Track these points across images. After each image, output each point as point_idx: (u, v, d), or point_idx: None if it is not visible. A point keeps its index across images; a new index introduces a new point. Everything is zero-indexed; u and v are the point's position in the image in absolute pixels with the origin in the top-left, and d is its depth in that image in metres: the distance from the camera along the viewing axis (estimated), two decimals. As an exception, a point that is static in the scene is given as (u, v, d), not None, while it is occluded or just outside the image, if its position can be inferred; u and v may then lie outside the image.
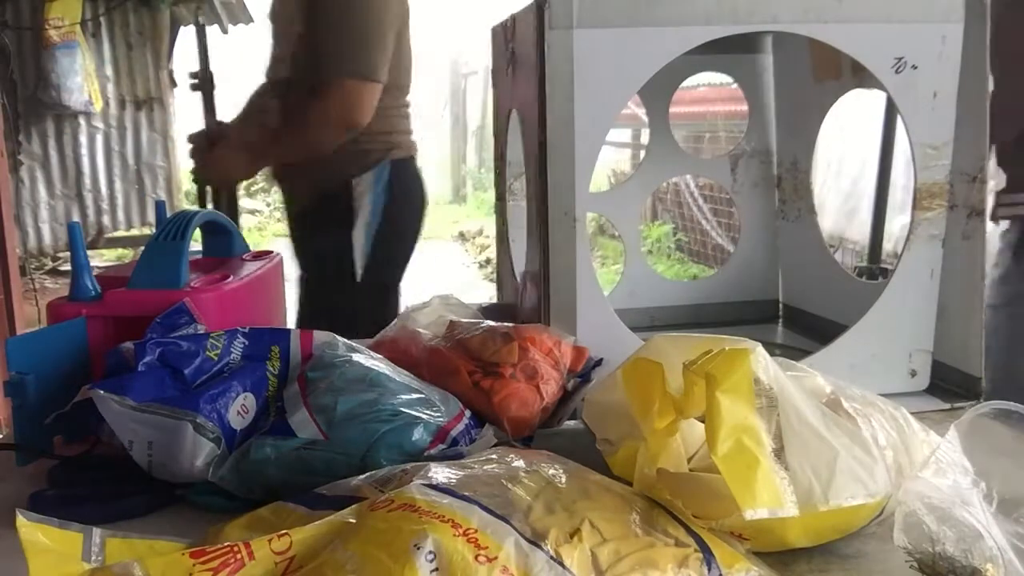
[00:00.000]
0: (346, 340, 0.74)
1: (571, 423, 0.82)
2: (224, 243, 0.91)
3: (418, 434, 0.65)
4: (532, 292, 0.93)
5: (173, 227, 0.80)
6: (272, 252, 0.95)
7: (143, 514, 0.63)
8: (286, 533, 0.47)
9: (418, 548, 0.45)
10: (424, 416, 0.67)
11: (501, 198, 1.16)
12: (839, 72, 1.03)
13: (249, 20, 5.26)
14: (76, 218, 5.08)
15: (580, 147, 0.82)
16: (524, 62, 0.90)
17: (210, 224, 0.85)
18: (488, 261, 6.50)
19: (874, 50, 0.85)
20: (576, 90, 0.81)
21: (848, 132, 3.93)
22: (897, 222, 3.13)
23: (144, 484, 0.64)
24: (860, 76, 0.97)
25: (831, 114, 1.10)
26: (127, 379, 0.64)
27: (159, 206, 0.91)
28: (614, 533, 0.50)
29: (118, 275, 0.81)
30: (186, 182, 5.38)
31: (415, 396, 0.69)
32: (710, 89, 5.63)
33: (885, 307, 0.89)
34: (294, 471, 0.62)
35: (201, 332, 0.71)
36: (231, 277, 0.83)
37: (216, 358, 0.68)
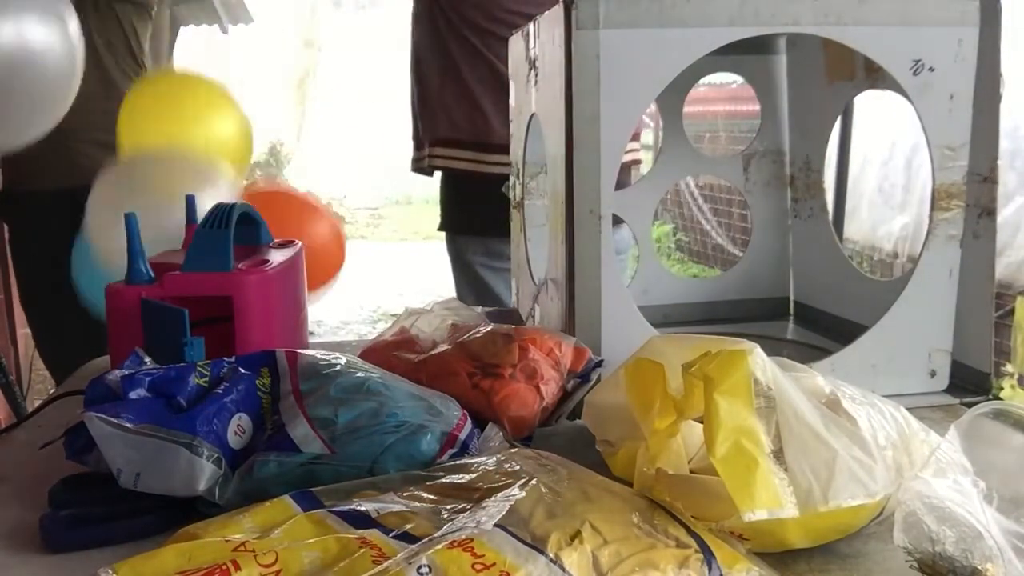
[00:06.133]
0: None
1: (570, 423, 0.82)
2: (253, 232, 0.97)
3: (427, 442, 0.65)
4: (553, 292, 0.95)
5: (217, 217, 0.86)
6: (294, 241, 1.00)
7: (163, 530, 0.60)
8: (272, 551, 0.48)
9: (409, 563, 0.45)
10: (430, 423, 0.67)
11: (518, 207, 1.17)
12: (852, 73, 1.04)
13: (249, 20, 5.25)
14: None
15: (605, 146, 0.84)
16: (547, 65, 0.92)
17: (242, 215, 0.90)
18: (488, 261, 6.44)
19: (893, 52, 0.86)
20: (602, 89, 0.83)
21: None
22: (897, 222, 3.14)
23: (159, 499, 0.63)
24: (873, 77, 0.98)
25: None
26: (122, 403, 0.64)
27: (189, 200, 0.98)
28: (615, 534, 0.51)
29: (157, 263, 0.87)
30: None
31: (417, 403, 0.69)
32: (710, 89, 5.60)
33: (905, 307, 0.89)
34: (301, 485, 0.60)
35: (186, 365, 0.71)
36: (271, 261, 0.89)
37: (206, 384, 0.68)
